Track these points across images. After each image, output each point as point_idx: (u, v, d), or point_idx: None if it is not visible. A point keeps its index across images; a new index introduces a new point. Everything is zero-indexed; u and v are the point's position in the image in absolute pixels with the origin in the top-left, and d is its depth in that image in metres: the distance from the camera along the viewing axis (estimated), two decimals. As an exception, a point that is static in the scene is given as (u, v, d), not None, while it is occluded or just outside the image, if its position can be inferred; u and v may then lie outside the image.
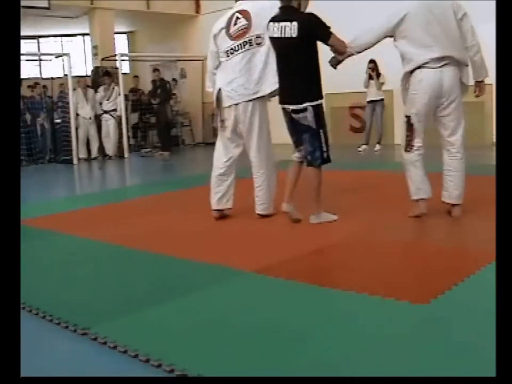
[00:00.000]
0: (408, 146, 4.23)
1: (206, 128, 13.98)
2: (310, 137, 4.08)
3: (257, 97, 4.34)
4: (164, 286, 3.05)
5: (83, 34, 15.60)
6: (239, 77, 4.31)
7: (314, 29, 4.05)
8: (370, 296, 2.66)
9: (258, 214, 4.44)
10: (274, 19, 4.05)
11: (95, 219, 5.08)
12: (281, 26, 3.99)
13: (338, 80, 11.18)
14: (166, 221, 4.78)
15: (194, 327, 2.46)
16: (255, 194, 4.47)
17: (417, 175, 4.22)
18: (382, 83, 9.86)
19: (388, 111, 10.77)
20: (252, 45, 4.30)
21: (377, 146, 9.91)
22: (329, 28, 4.11)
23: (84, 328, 2.44)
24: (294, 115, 4.07)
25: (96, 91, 11.37)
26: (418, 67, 4.05)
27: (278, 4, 4.06)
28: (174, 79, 13.65)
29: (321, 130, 4.09)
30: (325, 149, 4.11)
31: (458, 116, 4.26)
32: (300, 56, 4.05)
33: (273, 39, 4.09)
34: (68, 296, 2.98)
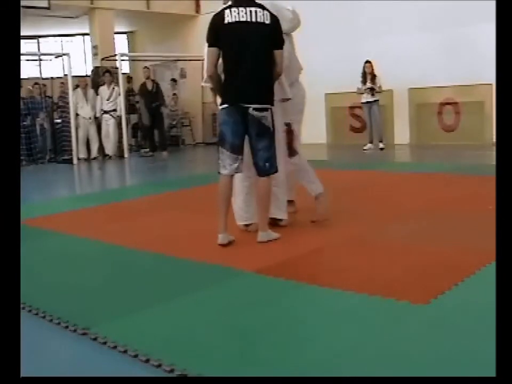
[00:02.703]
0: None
1: (206, 128, 13.99)
2: (268, 141, 3.70)
3: None
4: (164, 286, 3.05)
5: (83, 34, 15.60)
6: None
7: (279, 30, 3.74)
8: (370, 296, 2.66)
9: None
10: (235, 3, 3.63)
11: (95, 219, 5.08)
12: (250, 11, 3.62)
13: (338, 80, 11.24)
14: (166, 221, 4.78)
15: (194, 327, 2.46)
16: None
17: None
18: (379, 86, 9.89)
19: (388, 112, 10.78)
20: None
21: (381, 144, 9.92)
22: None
23: (84, 328, 2.44)
24: (255, 113, 3.63)
25: (96, 91, 11.38)
26: None
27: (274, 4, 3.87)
28: (173, 79, 13.65)
29: (274, 136, 3.78)
30: (276, 156, 3.80)
31: None
32: (269, 47, 3.68)
33: (236, 24, 3.59)
34: (68, 296, 2.98)
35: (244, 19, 3.61)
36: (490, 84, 9.02)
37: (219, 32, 3.66)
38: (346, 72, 11.09)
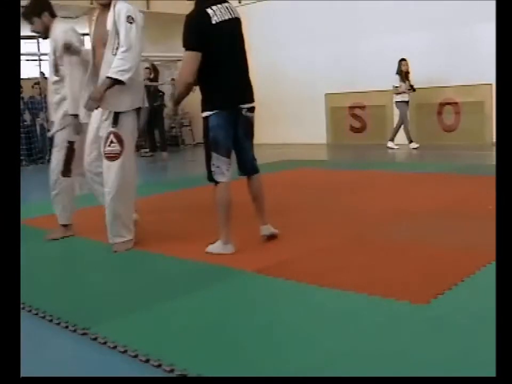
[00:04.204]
0: None
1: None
2: (251, 141, 3.69)
3: None
4: (164, 286, 3.05)
5: (83, 34, 15.56)
6: None
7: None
8: (370, 296, 2.66)
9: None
10: (209, 3, 3.44)
11: (95, 219, 5.07)
12: (226, 7, 3.48)
13: (338, 80, 11.24)
14: (166, 221, 4.78)
15: (194, 327, 2.46)
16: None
17: None
18: (411, 85, 9.64)
19: (387, 112, 10.78)
20: None
21: (413, 145, 9.63)
22: None
23: (84, 328, 2.45)
24: (248, 113, 3.58)
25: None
26: None
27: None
28: (173, 79, 13.64)
29: None
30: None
31: None
32: (244, 42, 3.59)
33: (223, 23, 3.43)
34: (68, 296, 2.98)
35: (226, 17, 3.45)
36: (490, 84, 9.02)
37: (206, 34, 3.39)
38: (347, 72, 11.10)
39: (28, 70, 12.99)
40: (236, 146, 3.61)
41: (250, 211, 4.58)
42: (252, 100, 3.61)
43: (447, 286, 2.74)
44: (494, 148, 7.56)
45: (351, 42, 11.02)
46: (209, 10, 3.41)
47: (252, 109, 3.61)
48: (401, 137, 10.20)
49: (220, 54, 3.44)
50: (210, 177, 3.57)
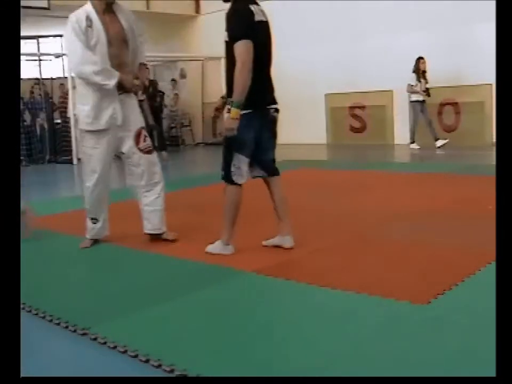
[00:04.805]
0: None
1: (206, 129, 13.99)
2: (274, 142, 3.65)
3: None
4: (164, 286, 3.05)
5: (83, 34, 15.56)
6: None
7: None
8: (370, 296, 2.66)
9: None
10: (249, 1, 3.45)
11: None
12: (260, 10, 3.49)
13: (338, 80, 11.24)
14: (166, 221, 4.76)
15: (194, 327, 2.46)
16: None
17: None
18: (427, 88, 9.54)
19: (387, 112, 10.79)
20: None
21: (440, 142, 9.46)
22: None
23: (84, 328, 2.45)
24: (276, 114, 3.58)
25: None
26: None
27: None
28: (173, 79, 13.65)
29: None
30: None
31: None
32: (271, 45, 3.60)
33: (260, 23, 3.45)
34: (67, 296, 2.98)
35: (263, 19, 3.48)
36: (490, 84, 9.03)
37: (252, 28, 3.35)
38: (346, 72, 11.10)
39: (28, 70, 12.99)
40: (257, 147, 3.53)
41: (250, 211, 4.58)
42: (276, 102, 3.58)
43: (447, 286, 2.74)
44: (494, 148, 7.57)
45: (351, 42, 11.03)
46: (251, 7, 3.41)
47: (277, 110, 3.58)
48: (401, 136, 10.21)
49: (256, 51, 3.36)
50: (227, 177, 3.48)
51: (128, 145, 3.86)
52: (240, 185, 3.49)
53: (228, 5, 3.57)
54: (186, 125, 13.87)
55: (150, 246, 3.86)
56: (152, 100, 11.33)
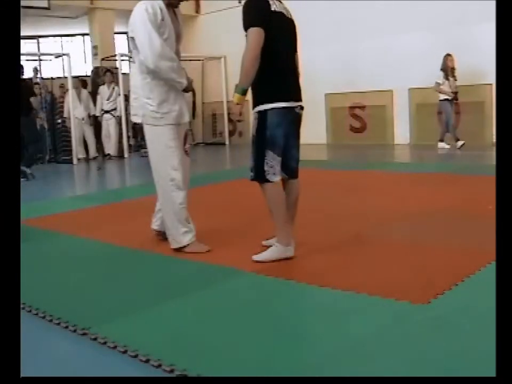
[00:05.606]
0: None
1: (206, 128, 13.99)
2: (298, 140, 3.50)
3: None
4: (164, 286, 3.05)
5: (83, 34, 15.59)
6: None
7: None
8: (370, 296, 2.66)
9: None
10: None
11: (95, 219, 5.08)
12: (280, 5, 3.39)
13: (338, 80, 11.25)
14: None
15: (194, 327, 2.46)
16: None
17: None
18: (455, 92, 9.32)
19: (387, 112, 10.79)
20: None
21: (460, 142, 9.19)
22: None
23: (84, 328, 2.44)
24: (301, 111, 3.44)
25: (96, 91, 11.38)
26: None
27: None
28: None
29: None
30: None
31: None
32: (296, 47, 3.52)
33: (281, 15, 3.35)
34: (67, 296, 2.98)
35: (285, 12, 3.38)
36: (490, 84, 9.03)
37: (266, 16, 3.24)
38: (347, 72, 11.11)
39: (28, 70, 13.00)
40: (284, 145, 3.39)
41: (250, 211, 4.58)
42: (301, 98, 3.44)
43: (447, 286, 2.74)
44: (494, 148, 7.57)
45: (351, 42, 11.03)
46: (270, 0, 3.31)
47: (302, 107, 3.44)
48: (401, 136, 10.21)
49: (278, 42, 3.28)
50: (260, 176, 3.33)
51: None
52: (278, 182, 3.36)
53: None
54: (186, 125, 13.86)
55: (150, 246, 3.86)
56: None
